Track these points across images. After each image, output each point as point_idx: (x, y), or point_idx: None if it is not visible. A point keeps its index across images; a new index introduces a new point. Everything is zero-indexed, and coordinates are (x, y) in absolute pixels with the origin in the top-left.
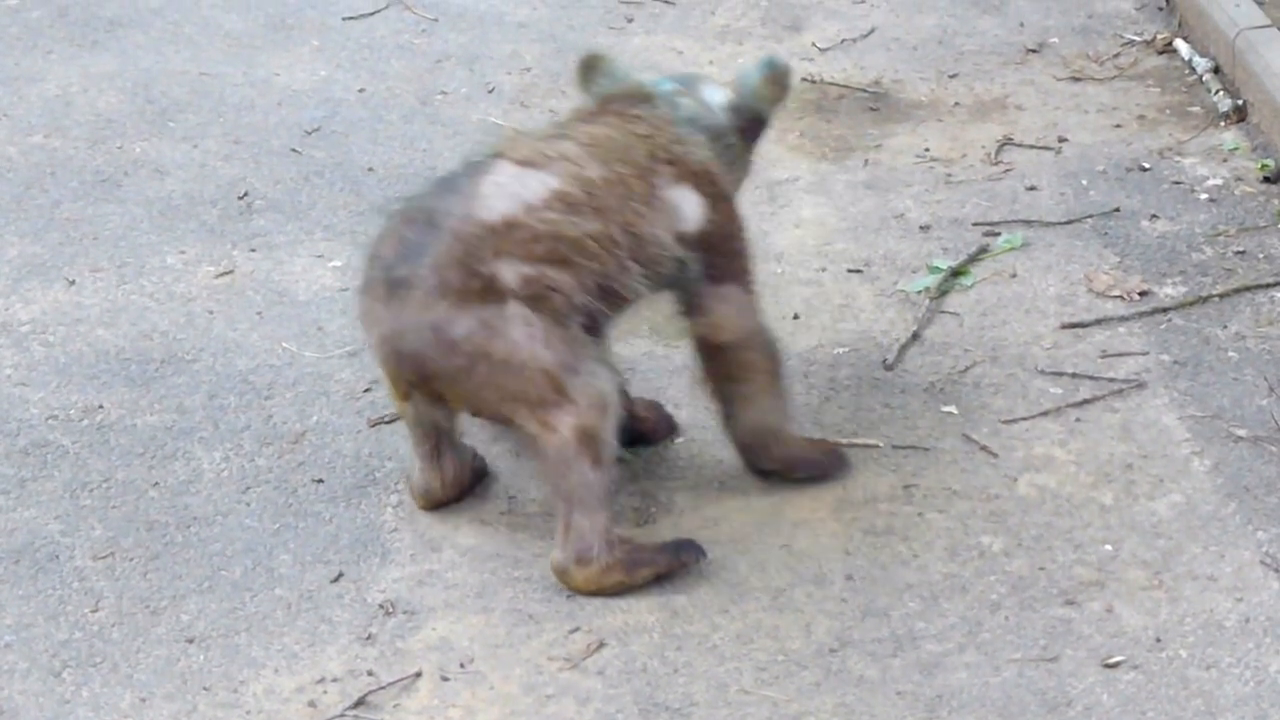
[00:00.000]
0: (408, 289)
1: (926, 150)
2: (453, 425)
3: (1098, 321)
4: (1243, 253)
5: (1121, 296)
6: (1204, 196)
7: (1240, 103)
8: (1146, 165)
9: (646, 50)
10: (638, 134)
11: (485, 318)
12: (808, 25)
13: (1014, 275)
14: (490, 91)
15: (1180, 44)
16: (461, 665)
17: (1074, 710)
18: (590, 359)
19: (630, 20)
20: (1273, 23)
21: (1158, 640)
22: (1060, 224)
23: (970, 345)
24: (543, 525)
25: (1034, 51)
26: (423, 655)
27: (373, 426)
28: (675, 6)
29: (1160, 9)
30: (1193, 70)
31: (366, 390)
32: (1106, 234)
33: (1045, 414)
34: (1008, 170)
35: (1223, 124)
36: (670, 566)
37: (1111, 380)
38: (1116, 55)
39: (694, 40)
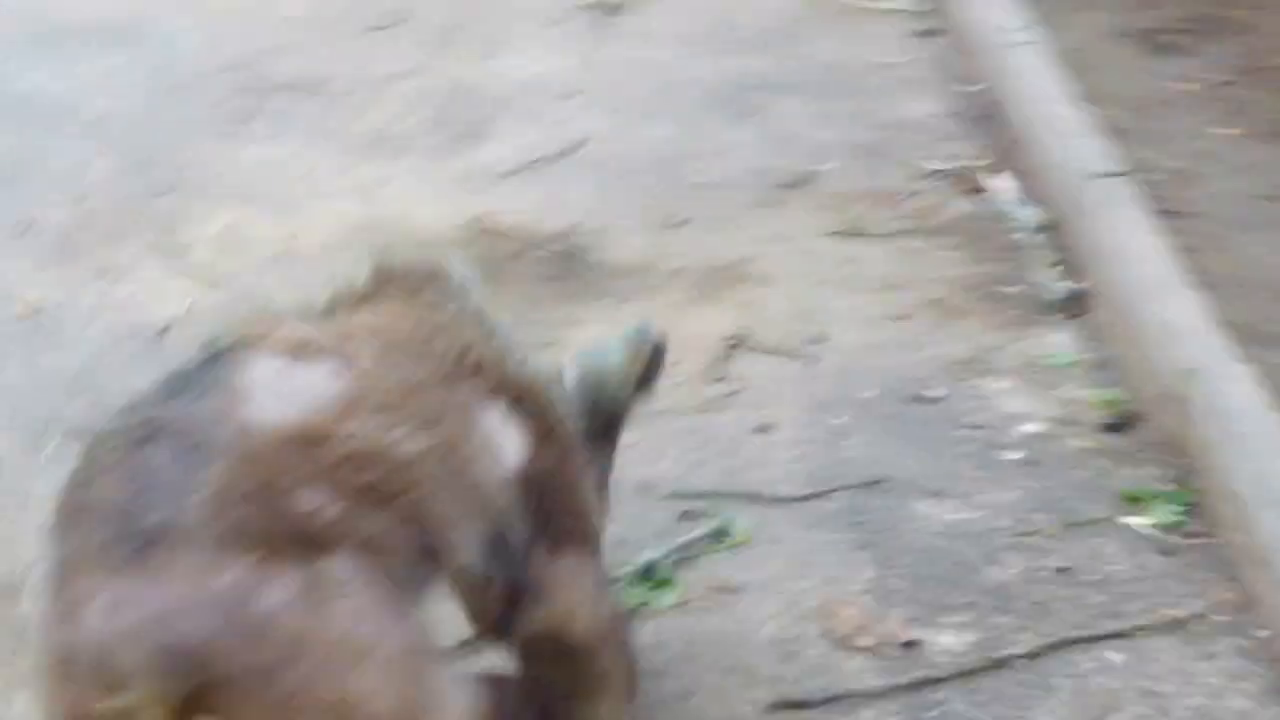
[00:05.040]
0: (170, 545)
1: None
2: None
3: (830, 700)
4: (1066, 570)
5: (872, 649)
6: (1014, 456)
7: (1079, 287)
8: (935, 394)
9: (266, 165)
10: (434, 325)
11: (306, 579)
12: (491, 132)
13: (729, 592)
14: (24, 232)
15: (998, 182)
16: None
17: None
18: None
19: (249, 119)
20: (1135, 167)
21: None
22: (798, 500)
23: None
24: None
25: (793, 187)
26: None
27: None
28: (317, 98)
29: (980, 119)
30: (1014, 223)
31: None
32: (864, 523)
33: None
34: (733, 393)
35: (1054, 316)
36: None
37: None
38: (911, 194)
39: (334, 150)
